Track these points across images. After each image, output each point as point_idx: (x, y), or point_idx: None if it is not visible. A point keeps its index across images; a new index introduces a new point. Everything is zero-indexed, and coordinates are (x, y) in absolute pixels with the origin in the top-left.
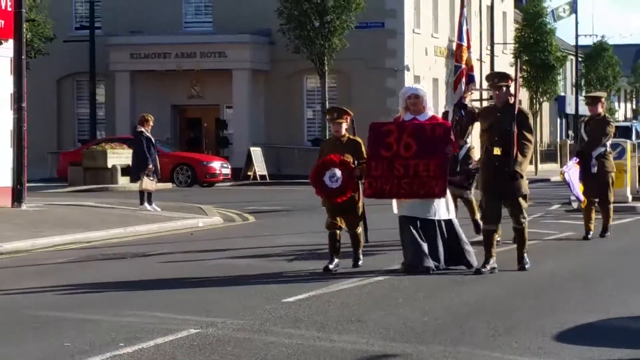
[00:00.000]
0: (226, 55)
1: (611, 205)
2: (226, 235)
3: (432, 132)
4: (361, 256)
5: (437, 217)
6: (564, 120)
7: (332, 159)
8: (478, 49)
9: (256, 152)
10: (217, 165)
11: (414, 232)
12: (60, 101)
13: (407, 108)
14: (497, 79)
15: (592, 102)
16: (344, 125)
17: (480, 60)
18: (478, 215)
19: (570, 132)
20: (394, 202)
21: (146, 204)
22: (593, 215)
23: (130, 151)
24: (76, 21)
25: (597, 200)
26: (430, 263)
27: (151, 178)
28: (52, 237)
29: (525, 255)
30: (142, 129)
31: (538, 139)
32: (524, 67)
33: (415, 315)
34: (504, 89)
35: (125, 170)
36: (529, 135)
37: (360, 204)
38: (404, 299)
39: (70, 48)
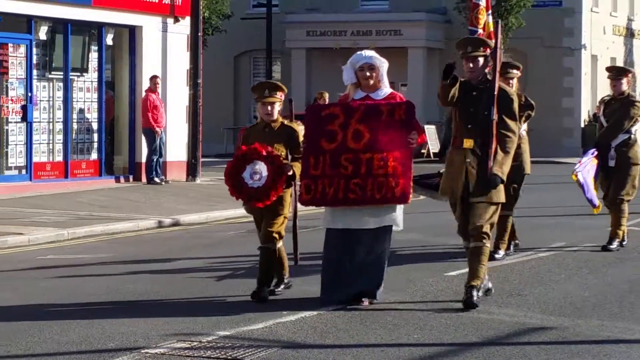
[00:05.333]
0: (402, 33)
1: (625, 207)
2: None
3: (389, 115)
4: (285, 279)
5: (381, 225)
6: None
7: (257, 149)
8: None
9: (430, 130)
10: None
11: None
12: (237, 78)
13: (357, 84)
14: (470, 47)
15: (616, 76)
16: (277, 106)
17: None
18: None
19: None
20: (327, 212)
21: None
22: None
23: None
24: None
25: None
26: (343, 296)
27: None
28: (224, 211)
29: (476, 287)
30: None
31: None
32: None
33: (576, 291)
34: (481, 60)
35: None
36: (511, 124)
37: (287, 210)
38: (566, 275)
39: (247, 25)
